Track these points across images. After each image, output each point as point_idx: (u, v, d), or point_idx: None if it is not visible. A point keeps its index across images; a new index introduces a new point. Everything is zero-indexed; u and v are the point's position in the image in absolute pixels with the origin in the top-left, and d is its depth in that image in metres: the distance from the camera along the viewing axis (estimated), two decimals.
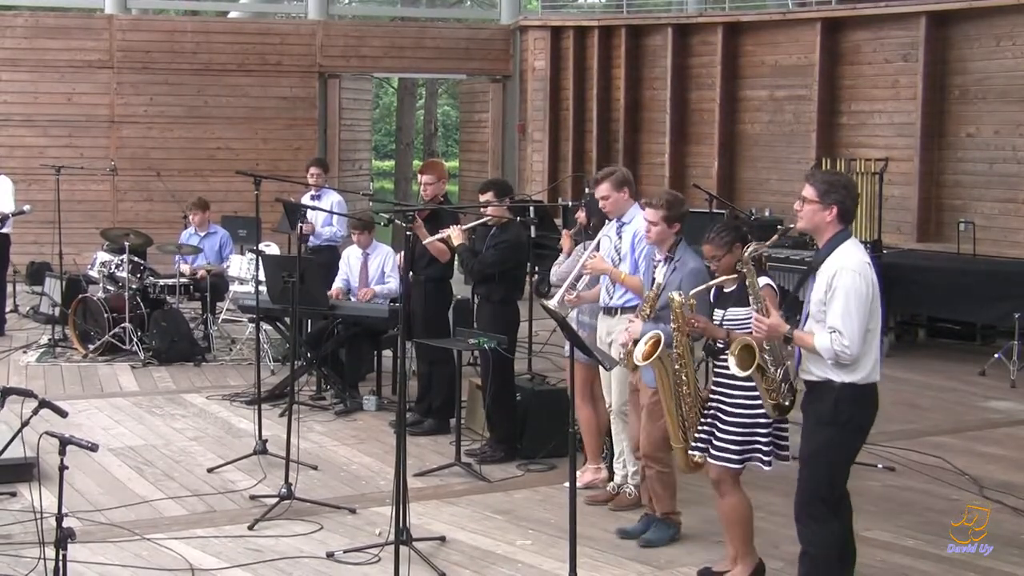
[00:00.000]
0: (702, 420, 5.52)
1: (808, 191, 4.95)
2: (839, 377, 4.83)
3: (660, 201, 6.12)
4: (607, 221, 7.10)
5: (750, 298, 5.07)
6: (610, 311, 6.70)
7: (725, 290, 5.52)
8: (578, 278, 6.83)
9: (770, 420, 5.30)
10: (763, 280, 5.24)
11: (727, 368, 5.22)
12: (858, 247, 4.93)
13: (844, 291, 4.76)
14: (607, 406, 6.96)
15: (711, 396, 5.50)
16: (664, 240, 6.13)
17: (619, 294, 6.65)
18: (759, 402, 5.25)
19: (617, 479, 6.95)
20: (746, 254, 5.12)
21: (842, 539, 5.04)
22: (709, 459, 5.48)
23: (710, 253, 5.54)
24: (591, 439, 7.25)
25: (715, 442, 5.43)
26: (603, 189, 6.73)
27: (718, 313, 5.52)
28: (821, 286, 4.85)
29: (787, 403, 5.13)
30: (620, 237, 6.73)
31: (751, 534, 5.59)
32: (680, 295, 5.47)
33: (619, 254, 6.69)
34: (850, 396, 4.84)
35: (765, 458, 5.36)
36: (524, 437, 7.82)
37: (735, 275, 5.38)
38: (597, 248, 6.79)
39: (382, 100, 38.29)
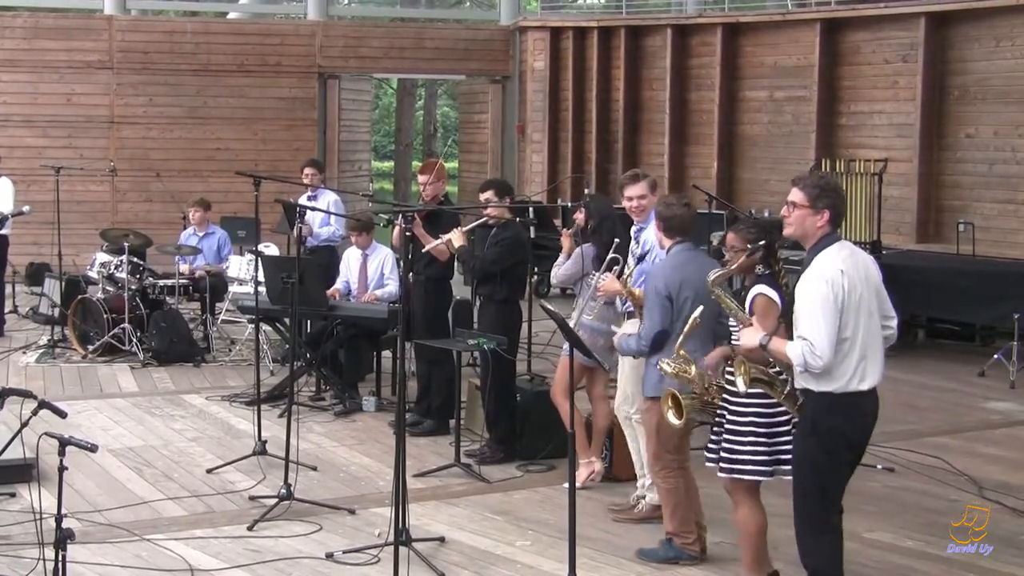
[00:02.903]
0: (715, 431, 5.47)
1: (797, 195, 4.80)
2: (814, 386, 4.74)
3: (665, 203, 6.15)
4: (605, 221, 7.10)
5: (730, 316, 5.05)
6: (630, 315, 6.66)
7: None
8: (592, 300, 6.78)
9: (760, 431, 5.21)
10: (756, 288, 5.20)
11: (730, 375, 5.22)
12: (840, 252, 4.76)
13: (811, 299, 4.65)
14: (615, 408, 6.92)
15: (720, 405, 5.42)
16: (657, 238, 6.13)
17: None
18: (747, 411, 5.22)
19: (639, 491, 6.81)
20: (710, 279, 5.07)
21: (839, 552, 4.94)
22: (719, 472, 5.41)
23: (731, 243, 5.41)
24: (580, 435, 7.19)
25: (721, 452, 5.39)
26: (640, 188, 6.63)
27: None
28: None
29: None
30: (638, 241, 6.69)
31: (760, 550, 5.44)
32: (669, 364, 5.39)
33: (636, 258, 6.67)
34: (827, 406, 4.72)
35: (749, 468, 5.24)
36: (523, 438, 7.82)
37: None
38: (609, 268, 6.73)
39: (381, 101, 38.29)
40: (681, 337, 5.46)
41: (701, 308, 5.44)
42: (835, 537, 4.94)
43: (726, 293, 5.11)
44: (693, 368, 5.39)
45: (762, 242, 5.20)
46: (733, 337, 5.40)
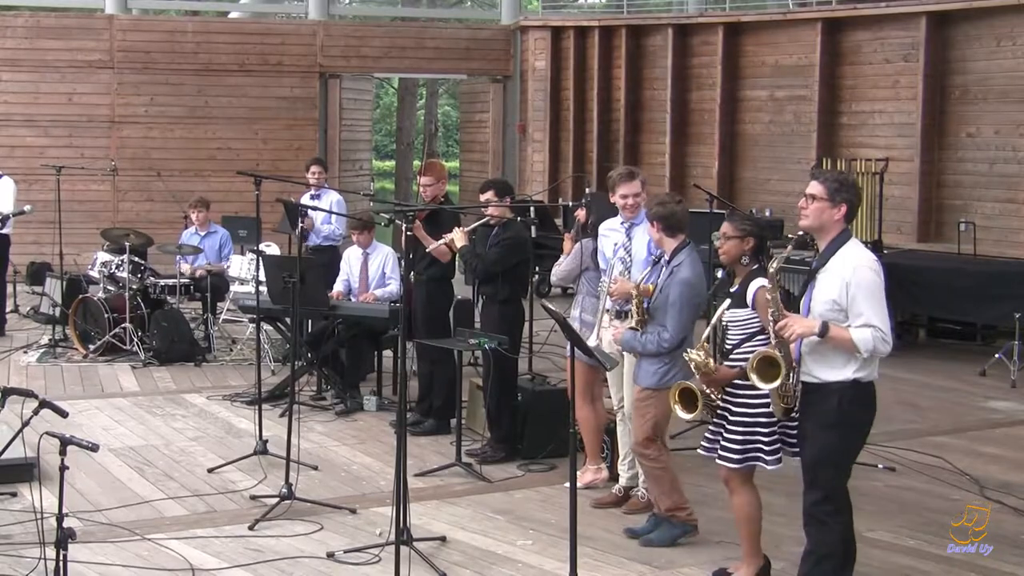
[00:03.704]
0: (714, 421, 5.51)
1: (817, 189, 4.92)
2: (848, 375, 4.81)
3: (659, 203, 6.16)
4: (605, 219, 7.10)
5: (770, 312, 4.97)
6: (621, 315, 6.61)
7: (730, 289, 5.51)
8: (606, 310, 6.76)
9: (774, 420, 5.28)
10: (758, 281, 5.23)
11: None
12: (861, 245, 4.94)
13: (868, 288, 4.76)
14: (615, 406, 6.93)
15: (723, 397, 5.47)
16: (656, 239, 6.15)
17: None
18: (761, 402, 5.24)
19: (623, 481, 6.94)
20: (772, 268, 5.01)
21: (848, 539, 5.03)
22: (717, 459, 5.48)
23: (725, 231, 5.52)
24: (591, 439, 7.24)
25: (721, 441, 5.43)
26: (636, 186, 6.70)
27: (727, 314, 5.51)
28: (834, 285, 4.80)
29: (793, 404, 5.08)
30: (630, 238, 6.70)
31: (757, 534, 5.56)
32: (698, 354, 5.37)
33: (629, 255, 6.67)
34: (853, 396, 4.83)
35: (767, 458, 5.34)
36: (524, 437, 7.82)
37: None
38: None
39: (382, 100, 38.29)
40: (708, 329, 5.52)
41: (728, 302, 5.48)
42: (847, 525, 5.00)
43: (775, 297, 5.09)
44: (712, 361, 5.41)
45: (800, 232, 5.24)
46: (729, 322, 5.44)
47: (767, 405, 5.22)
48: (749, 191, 15.41)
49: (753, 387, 5.16)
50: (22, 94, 16.02)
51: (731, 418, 5.39)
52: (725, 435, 5.42)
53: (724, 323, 5.50)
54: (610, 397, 7.09)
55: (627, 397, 6.75)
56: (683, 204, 6.21)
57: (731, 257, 5.47)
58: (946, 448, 8.16)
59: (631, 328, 6.16)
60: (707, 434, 5.57)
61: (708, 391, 5.44)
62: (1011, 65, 12.47)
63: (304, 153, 15.95)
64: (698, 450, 5.68)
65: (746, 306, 5.36)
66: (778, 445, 5.34)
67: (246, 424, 8.60)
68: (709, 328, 5.52)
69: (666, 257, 6.13)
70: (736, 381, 5.31)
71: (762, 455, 5.34)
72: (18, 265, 13.42)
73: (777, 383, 4.94)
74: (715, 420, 5.50)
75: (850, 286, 4.78)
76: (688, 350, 5.53)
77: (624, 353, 6.43)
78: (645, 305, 6.11)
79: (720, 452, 5.44)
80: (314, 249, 10.81)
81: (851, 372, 4.82)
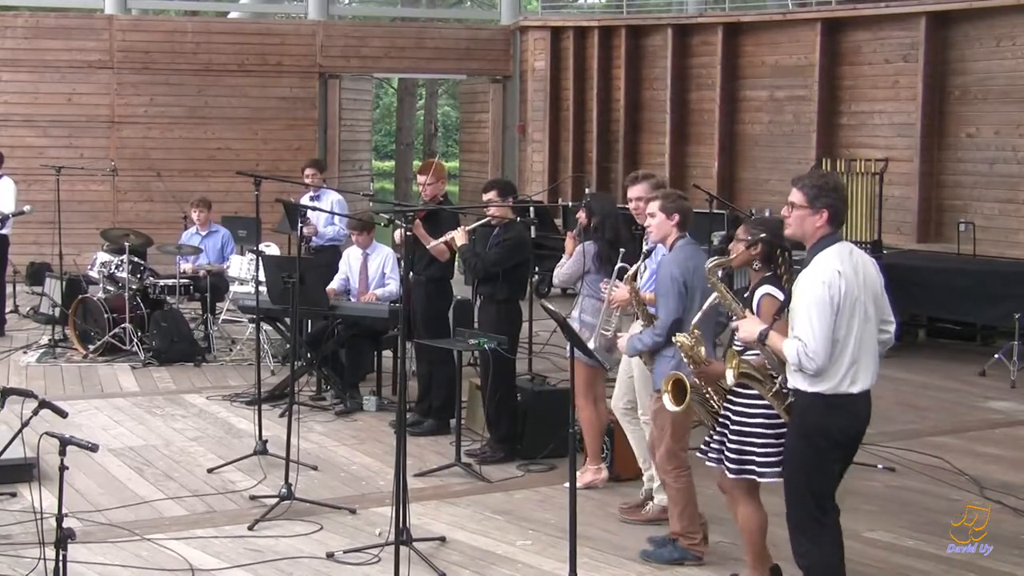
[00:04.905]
0: (716, 429, 5.45)
1: (796, 196, 4.81)
2: (805, 387, 4.73)
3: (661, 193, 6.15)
4: (607, 220, 7.09)
5: (727, 308, 5.02)
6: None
7: (744, 295, 5.46)
8: (609, 315, 6.71)
9: (769, 432, 5.18)
10: (763, 289, 5.20)
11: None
12: (839, 253, 4.75)
13: (806, 301, 4.65)
14: (624, 408, 6.87)
15: (724, 405, 5.41)
16: (664, 233, 6.11)
17: None
18: (758, 412, 5.19)
19: (646, 485, 6.78)
20: (708, 267, 5.07)
21: (834, 554, 4.91)
22: (722, 468, 5.40)
23: (740, 235, 5.42)
24: (592, 439, 7.24)
25: (725, 451, 5.38)
26: (641, 190, 6.61)
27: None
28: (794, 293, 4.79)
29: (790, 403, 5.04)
30: (647, 241, 6.67)
31: (762, 546, 5.44)
32: (686, 337, 5.32)
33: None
34: (817, 406, 4.71)
35: (759, 470, 5.21)
36: (524, 437, 7.82)
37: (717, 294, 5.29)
38: (619, 278, 6.59)
39: (382, 100, 38.30)
40: (699, 315, 5.42)
41: (715, 296, 5.39)
42: (830, 537, 4.90)
43: (722, 283, 5.11)
44: (703, 350, 5.36)
45: (762, 235, 5.20)
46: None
47: (764, 416, 5.16)
48: (749, 191, 15.41)
49: (754, 396, 5.15)
50: (22, 94, 16.02)
51: (731, 427, 5.32)
52: (728, 444, 5.36)
53: (733, 327, 5.45)
54: (610, 398, 7.07)
55: (616, 395, 6.75)
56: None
57: (739, 261, 5.37)
58: (946, 448, 8.16)
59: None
60: (712, 444, 5.44)
61: (706, 393, 5.42)
62: (1011, 65, 12.47)
63: (304, 153, 15.95)
64: (705, 461, 5.53)
65: (753, 311, 5.31)
66: (774, 459, 5.18)
67: (246, 424, 8.60)
68: (700, 313, 5.42)
69: (665, 249, 6.10)
70: (737, 388, 5.23)
71: (754, 467, 5.22)
72: (18, 265, 13.43)
73: (734, 378, 4.92)
74: (717, 429, 5.45)
75: (795, 296, 4.73)
76: (677, 333, 5.48)
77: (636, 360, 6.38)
78: (651, 311, 6.09)
79: (728, 464, 5.37)
80: (316, 249, 10.81)
81: (810, 383, 4.70)
